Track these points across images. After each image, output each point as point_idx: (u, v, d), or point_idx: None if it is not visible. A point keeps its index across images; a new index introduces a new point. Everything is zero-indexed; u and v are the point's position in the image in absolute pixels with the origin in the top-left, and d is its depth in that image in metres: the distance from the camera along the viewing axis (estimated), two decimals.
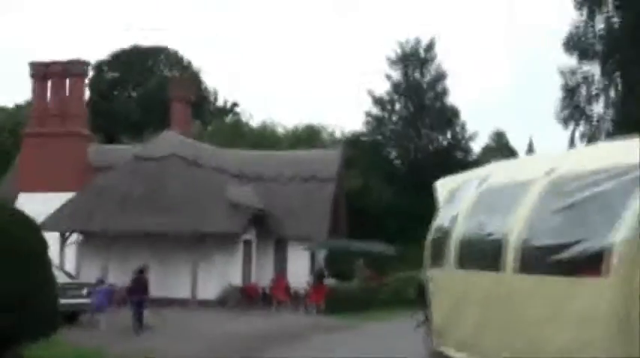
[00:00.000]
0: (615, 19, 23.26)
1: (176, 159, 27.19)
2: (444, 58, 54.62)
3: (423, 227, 10.70)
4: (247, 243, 27.57)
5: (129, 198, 25.91)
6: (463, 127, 53.18)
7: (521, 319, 5.00)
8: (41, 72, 29.58)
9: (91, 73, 63.37)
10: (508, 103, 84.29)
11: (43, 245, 10.93)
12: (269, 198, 28.72)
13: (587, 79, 23.47)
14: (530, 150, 79.67)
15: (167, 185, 26.21)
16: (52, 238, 24.62)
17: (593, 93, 23.60)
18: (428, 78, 53.34)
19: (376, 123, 53.01)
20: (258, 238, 28.17)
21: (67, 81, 29.31)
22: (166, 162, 26.96)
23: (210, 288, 25.08)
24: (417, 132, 53.19)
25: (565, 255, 4.56)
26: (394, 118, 53.70)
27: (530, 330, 4.87)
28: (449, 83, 53.38)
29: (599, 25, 23.00)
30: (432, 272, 6.95)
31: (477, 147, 55.52)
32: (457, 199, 6.35)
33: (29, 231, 11.09)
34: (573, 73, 23.58)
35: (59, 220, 25.35)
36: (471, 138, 53.49)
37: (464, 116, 54.63)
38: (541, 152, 28.97)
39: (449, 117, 52.94)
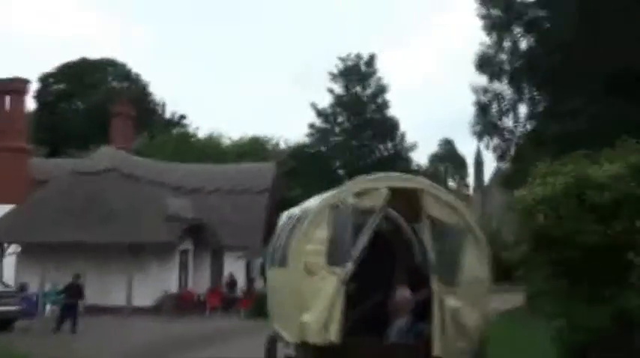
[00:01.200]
0: (522, 42, 25.33)
1: (114, 174, 28.30)
2: (384, 73, 56.48)
3: None
4: (184, 253, 28.78)
5: (68, 210, 26.87)
6: (403, 138, 55.45)
7: (282, 299, 7.84)
8: None
9: (36, 85, 63.84)
10: (452, 112, 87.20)
11: None
12: (206, 209, 29.95)
13: (497, 96, 25.41)
14: (479, 156, 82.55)
15: (105, 198, 27.27)
16: None
17: (504, 109, 25.55)
18: (369, 91, 55.44)
19: (320, 134, 54.82)
20: (195, 248, 29.38)
21: (8, 97, 30.16)
22: (104, 176, 28.07)
23: (146, 296, 26.19)
24: (359, 143, 55.16)
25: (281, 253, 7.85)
26: (337, 130, 55.60)
27: (284, 307, 7.66)
28: (389, 96, 55.68)
29: (507, 46, 24.97)
30: (267, 273, 8.97)
31: (423, 155, 57.99)
32: (282, 223, 8.76)
33: None
34: (485, 91, 25.47)
35: None
36: (412, 148, 55.83)
37: (405, 127, 56.73)
38: None
39: (389, 128, 55.12)
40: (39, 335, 18.94)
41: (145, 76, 68.90)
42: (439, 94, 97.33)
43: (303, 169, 50.85)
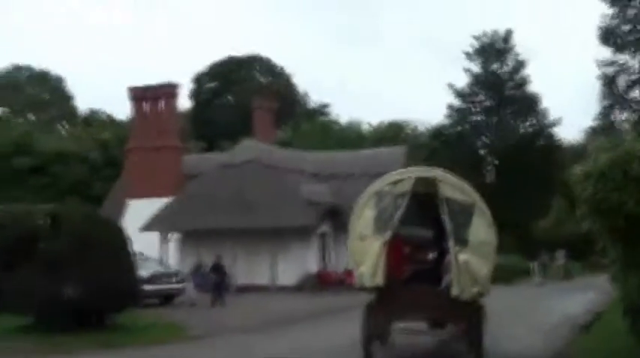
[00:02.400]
0: None
1: (255, 165, 30.81)
2: (522, 49, 55.38)
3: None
4: (324, 235, 30.80)
5: (216, 200, 29.70)
6: (545, 114, 54.24)
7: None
8: (138, 95, 34.08)
9: (191, 85, 68.81)
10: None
11: (124, 242, 14.55)
12: (343, 194, 31.72)
13: (623, 68, 24.97)
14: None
15: (248, 187, 29.82)
16: (154, 237, 29.17)
17: (631, 81, 25.05)
18: (507, 68, 54.76)
19: (459, 115, 54.97)
20: (333, 230, 31.27)
21: (161, 102, 33.60)
22: (246, 167, 30.65)
23: (288, 275, 28.53)
24: (499, 122, 54.73)
25: None
26: (476, 109, 55.46)
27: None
28: (528, 72, 54.65)
29: (631, 15, 24.44)
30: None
31: (573, 131, 56.13)
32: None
33: (114, 232, 14.71)
34: (611, 63, 25.09)
35: (159, 222, 29.59)
36: (555, 124, 54.39)
37: (547, 103, 55.44)
38: None
39: (530, 105, 54.18)
40: (196, 308, 21.74)
41: (290, 68, 71.91)
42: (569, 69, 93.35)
43: (443, 151, 51.41)
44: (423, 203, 10.95)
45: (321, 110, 68.16)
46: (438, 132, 55.29)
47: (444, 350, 12.32)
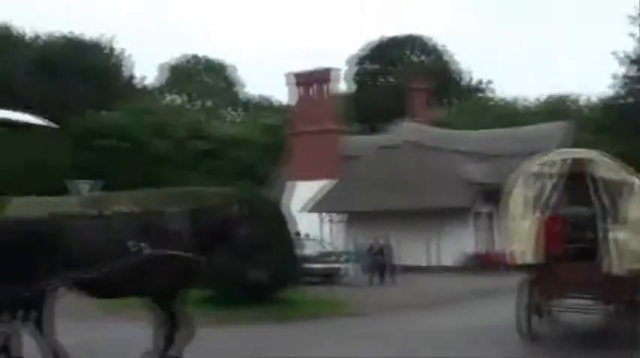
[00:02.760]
0: None
1: (413, 146, 31.14)
2: None
3: None
4: (486, 215, 30.54)
5: (376, 181, 30.39)
6: None
7: None
8: (298, 80, 35.46)
9: (352, 67, 69.89)
10: None
11: (284, 222, 15.52)
12: (503, 173, 31.21)
13: None
14: None
15: (406, 168, 30.24)
16: (315, 218, 30.43)
17: None
18: None
19: (626, 84, 51.47)
20: (495, 211, 30.87)
21: (317, 86, 34.73)
22: (404, 148, 31.06)
23: (449, 256, 28.71)
24: None
25: None
26: None
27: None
28: None
29: None
30: None
31: None
32: None
33: (279, 213, 15.74)
34: None
35: (320, 203, 30.85)
36: None
37: None
38: None
39: None
40: (359, 287, 22.67)
41: (450, 46, 70.84)
42: None
43: (617, 124, 48.54)
44: (579, 183, 11.11)
45: (481, 87, 66.73)
46: (610, 104, 52.11)
47: (607, 327, 12.17)
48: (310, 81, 35.17)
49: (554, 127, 34.78)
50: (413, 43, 71.81)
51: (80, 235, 7.83)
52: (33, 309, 7.73)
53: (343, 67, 68.86)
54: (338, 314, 16.04)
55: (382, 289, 22.49)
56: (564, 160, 10.93)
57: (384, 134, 36.23)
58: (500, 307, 15.28)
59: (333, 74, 35.31)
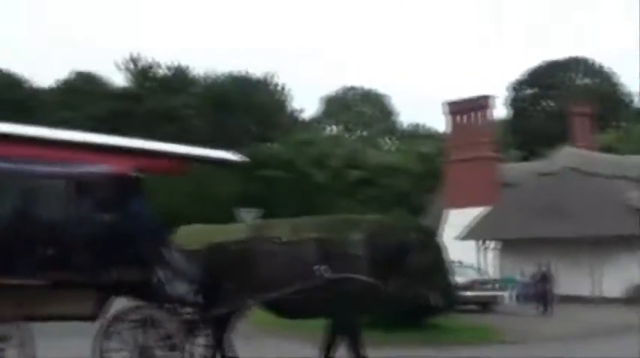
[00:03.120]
0: None
1: (572, 172, 30.18)
2: None
3: None
4: None
5: (533, 209, 29.75)
6: None
7: None
8: (454, 109, 35.58)
9: (509, 93, 68.68)
10: None
11: (439, 249, 15.83)
12: None
13: None
14: None
15: (567, 196, 29.33)
16: (471, 245, 30.30)
17: None
18: None
19: None
20: None
21: (475, 114, 34.66)
22: (564, 175, 30.17)
23: (613, 287, 27.38)
24: None
25: None
26: None
27: None
28: None
29: None
30: None
31: None
32: None
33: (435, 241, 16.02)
34: None
35: (475, 231, 30.63)
36: None
37: None
38: None
39: None
40: (515, 316, 22.40)
41: (616, 67, 67.68)
42: None
43: None
44: None
45: None
46: None
47: None
48: (466, 109, 35.22)
49: None
50: (576, 66, 69.42)
51: (271, 259, 8.59)
52: (222, 325, 8.67)
53: (503, 93, 68.33)
54: (492, 341, 16.07)
55: (540, 318, 22.04)
56: None
57: (543, 160, 35.40)
58: None
59: (489, 101, 35.13)
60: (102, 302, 8.15)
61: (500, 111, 73.69)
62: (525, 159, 49.25)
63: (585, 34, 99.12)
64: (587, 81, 68.77)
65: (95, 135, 8.85)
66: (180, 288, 8.34)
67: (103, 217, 8.17)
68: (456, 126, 35.93)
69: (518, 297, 26.76)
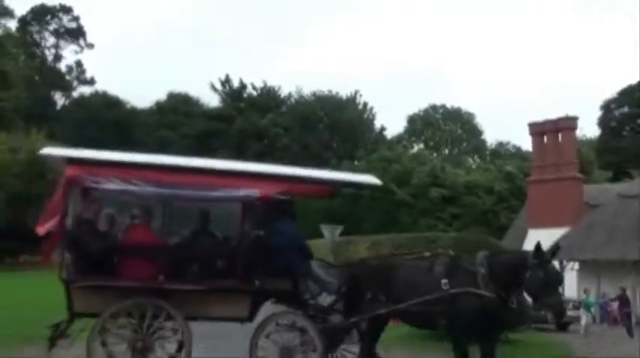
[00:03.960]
0: None
1: None
2: None
3: None
4: None
5: (615, 230, 29.71)
6: None
7: None
8: (538, 129, 35.82)
9: (599, 112, 67.47)
10: None
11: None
12: None
13: None
14: None
15: None
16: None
17: None
18: None
19: None
20: None
21: (560, 134, 34.81)
22: None
23: None
24: None
25: None
26: None
27: None
28: None
29: None
30: None
31: None
32: None
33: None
34: None
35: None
36: None
37: None
38: None
39: None
40: (597, 337, 22.65)
41: None
42: None
43: None
44: None
45: None
46: None
47: None
48: (550, 129, 35.43)
49: None
50: None
51: (405, 272, 9.22)
52: (367, 335, 9.60)
53: (596, 113, 67.14)
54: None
55: (614, 340, 22.11)
56: None
57: (627, 182, 35.11)
58: None
59: (573, 122, 35.24)
60: (255, 307, 9.44)
61: (591, 130, 72.53)
62: (613, 179, 48.53)
63: None
64: None
65: (250, 164, 10.52)
66: (324, 299, 9.55)
67: (259, 234, 9.59)
68: (539, 146, 36.15)
69: (594, 319, 26.79)
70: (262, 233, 9.62)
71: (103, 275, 9.09)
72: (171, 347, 9.44)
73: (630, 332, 23.72)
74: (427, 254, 9.53)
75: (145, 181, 8.99)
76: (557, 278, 8.76)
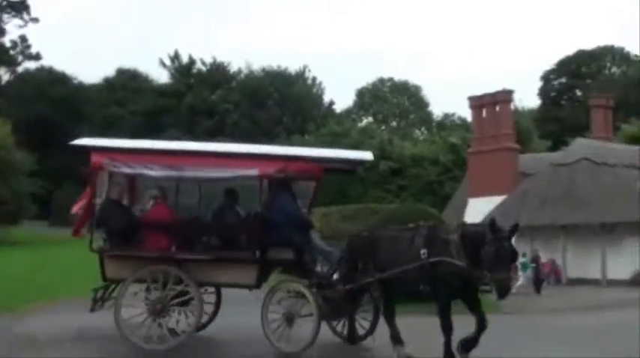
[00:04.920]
0: None
1: (585, 163, 31.98)
2: None
3: None
4: None
5: (547, 198, 31.67)
6: None
7: None
8: (477, 103, 37.51)
9: (539, 83, 69.78)
10: None
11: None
12: None
13: None
14: None
15: (579, 185, 31.20)
16: None
17: None
18: None
19: None
20: None
21: (497, 107, 36.55)
22: (577, 165, 32.01)
23: (620, 270, 29.24)
24: None
25: None
26: None
27: None
28: None
29: None
30: None
31: None
32: None
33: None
34: None
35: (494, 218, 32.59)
36: None
37: None
38: None
39: None
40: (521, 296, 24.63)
41: None
42: None
43: None
44: None
45: None
46: None
47: None
48: (488, 102, 37.09)
49: None
50: (610, 55, 70.07)
51: (390, 244, 9.88)
52: (353, 301, 10.56)
53: (538, 83, 69.50)
54: (492, 311, 18.23)
55: (542, 298, 24.14)
56: None
57: (559, 151, 37.14)
58: None
59: (509, 95, 36.99)
60: (263, 276, 10.63)
61: (533, 100, 75.00)
62: (552, 148, 50.69)
63: (618, 21, 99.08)
64: (620, 69, 69.34)
65: (250, 146, 12.15)
66: (324, 268, 10.56)
67: (261, 210, 10.67)
68: (478, 119, 37.86)
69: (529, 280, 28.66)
70: (264, 208, 10.67)
71: (127, 246, 10.64)
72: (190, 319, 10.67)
73: (538, 290, 26.36)
74: (411, 225, 10.09)
75: (159, 165, 10.44)
76: (509, 256, 8.92)
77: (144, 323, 10.49)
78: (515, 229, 9.20)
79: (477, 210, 34.24)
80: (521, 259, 29.05)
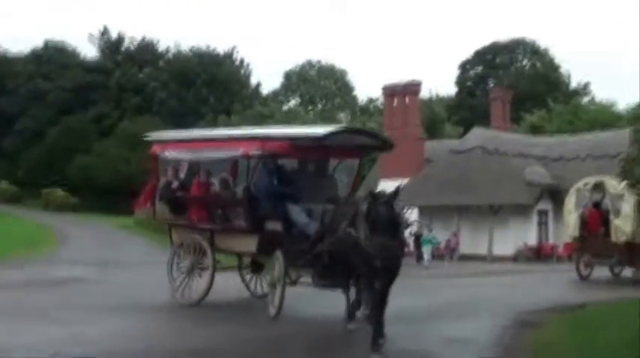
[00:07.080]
0: None
1: (480, 150, 35.59)
2: None
3: None
4: (543, 213, 34.63)
5: (446, 181, 35.15)
6: None
7: None
8: (389, 92, 40.61)
9: (457, 72, 73.57)
10: None
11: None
12: (566, 176, 35.02)
13: None
14: None
15: (473, 171, 34.79)
16: None
17: None
18: None
19: None
20: (552, 208, 34.67)
21: (407, 97, 39.72)
22: (472, 153, 35.59)
23: (505, 247, 33.06)
24: None
25: None
26: None
27: None
28: None
29: None
30: None
31: None
32: None
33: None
34: None
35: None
36: None
37: None
38: None
39: None
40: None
41: (557, 50, 72.48)
42: None
43: None
44: (601, 194, 20.94)
45: (581, 91, 68.54)
46: None
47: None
48: (399, 92, 40.20)
49: (620, 134, 37.67)
50: (521, 47, 74.29)
51: (334, 215, 10.23)
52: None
53: (456, 72, 73.25)
54: None
55: (438, 269, 27.73)
56: (594, 182, 21.19)
57: (458, 139, 40.72)
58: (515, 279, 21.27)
59: (417, 87, 40.21)
60: (265, 244, 11.33)
61: (449, 89, 78.83)
62: (463, 135, 54.28)
63: (532, 15, 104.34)
64: (531, 62, 73.71)
65: (235, 129, 15.25)
66: (300, 235, 10.97)
67: (246, 186, 11.76)
68: (390, 107, 40.98)
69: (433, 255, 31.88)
70: (245, 185, 11.79)
71: (174, 217, 13.05)
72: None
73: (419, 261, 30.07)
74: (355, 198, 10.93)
75: (188, 150, 12.94)
76: (385, 219, 8.77)
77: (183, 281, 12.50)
78: (395, 195, 9.12)
79: (387, 190, 37.41)
80: (426, 235, 32.34)
